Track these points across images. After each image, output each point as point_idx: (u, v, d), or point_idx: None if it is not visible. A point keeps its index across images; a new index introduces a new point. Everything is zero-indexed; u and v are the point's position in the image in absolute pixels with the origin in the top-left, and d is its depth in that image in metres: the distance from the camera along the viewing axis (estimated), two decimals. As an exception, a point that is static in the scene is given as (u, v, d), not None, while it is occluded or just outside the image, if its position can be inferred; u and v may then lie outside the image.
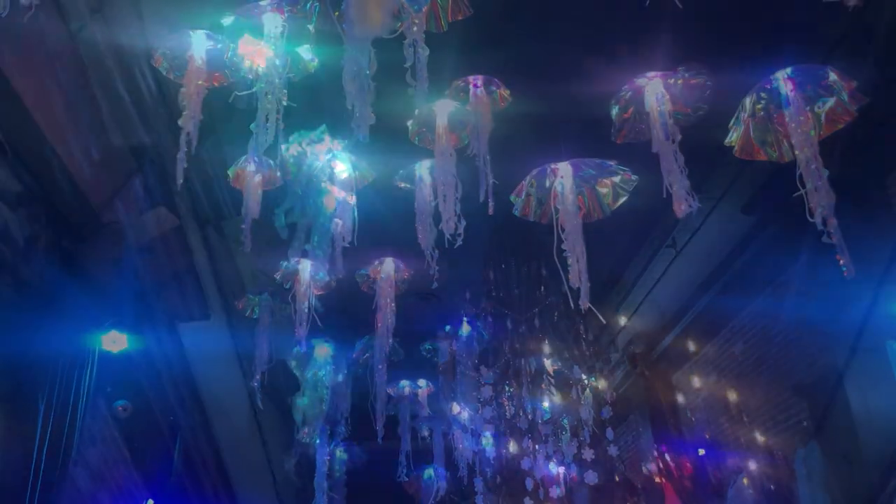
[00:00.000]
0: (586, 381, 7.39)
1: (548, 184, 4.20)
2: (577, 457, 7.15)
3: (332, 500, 8.15)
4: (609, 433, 7.21)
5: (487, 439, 7.97)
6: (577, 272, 3.88)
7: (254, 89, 3.90)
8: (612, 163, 4.17)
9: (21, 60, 4.77)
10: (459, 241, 4.09)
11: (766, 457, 7.39)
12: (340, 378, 6.98)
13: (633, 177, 4.19)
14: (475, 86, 4.30)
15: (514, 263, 7.82)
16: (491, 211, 4.08)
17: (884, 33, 5.14)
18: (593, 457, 7.09)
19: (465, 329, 7.58)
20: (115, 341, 6.18)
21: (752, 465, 7.57)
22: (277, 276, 5.39)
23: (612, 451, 7.21)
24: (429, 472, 8.36)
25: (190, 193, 6.78)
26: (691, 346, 8.95)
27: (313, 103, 4.44)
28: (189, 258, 7.31)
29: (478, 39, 4.91)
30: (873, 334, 5.82)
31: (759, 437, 7.54)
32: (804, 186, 3.52)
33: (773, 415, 7.41)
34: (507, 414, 7.63)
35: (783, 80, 3.67)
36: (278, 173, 4.55)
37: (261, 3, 3.79)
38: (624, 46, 5.16)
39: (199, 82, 3.87)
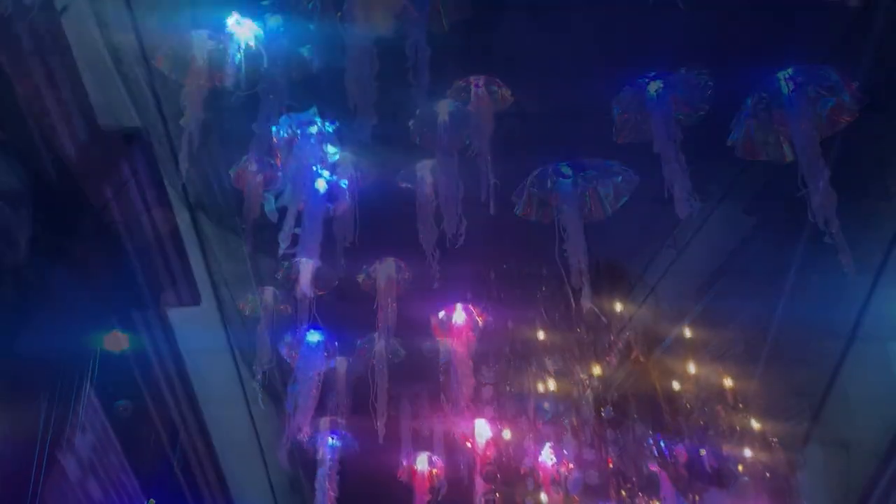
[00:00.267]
0: (587, 380, 7.37)
1: (549, 184, 4.21)
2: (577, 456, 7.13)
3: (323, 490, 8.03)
4: (609, 434, 7.20)
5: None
6: (578, 272, 3.89)
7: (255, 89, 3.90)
8: (613, 163, 4.18)
9: (9, 49, 4.67)
10: (460, 241, 4.09)
11: (764, 445, 7.41)
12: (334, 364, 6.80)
13: (635, 177, 4.19)
14: (476, 86, 4.30)
15: (514, 263, 7.80)
16: (492, 210, 4.08)
17: (884, 33, 5.13)
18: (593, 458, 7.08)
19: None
20: (115, 341, 6.18)
21: (749, 454, 7.58)
22: (278, 275, 5.37)
23: (610, 443, 7.18)
24: (422, 459, 8.24)
25: (191, 189, 6.74)
26: (691, 343, 8.94)
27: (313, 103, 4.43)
28: (183, 251, 7.26)
29: (478, 39, 4.90)
30: (870, 327, 5.85)
31: (756, 426, 7.55)
32: (806, 186, 3.53)
33: (770, 404, 7.43)
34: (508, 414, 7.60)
35: (784, 80, 3.67)
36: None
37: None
38: (626, 46, 5.15)
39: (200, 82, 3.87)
